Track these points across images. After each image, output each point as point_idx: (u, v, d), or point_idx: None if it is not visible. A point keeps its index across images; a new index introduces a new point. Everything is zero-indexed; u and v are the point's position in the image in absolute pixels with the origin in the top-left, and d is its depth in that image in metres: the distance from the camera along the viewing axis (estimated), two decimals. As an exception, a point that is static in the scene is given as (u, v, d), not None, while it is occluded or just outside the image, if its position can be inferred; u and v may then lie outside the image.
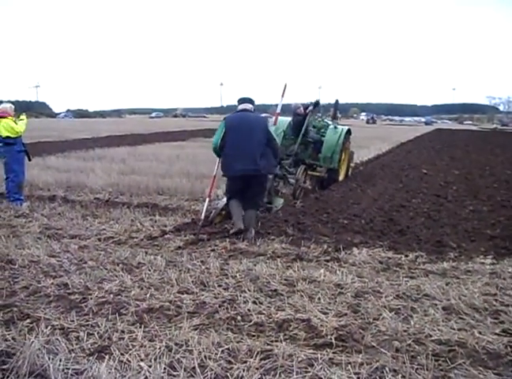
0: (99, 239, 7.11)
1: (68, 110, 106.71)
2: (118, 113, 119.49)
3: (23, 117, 9.79)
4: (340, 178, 13.11)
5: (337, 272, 5.73)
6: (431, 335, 4.14)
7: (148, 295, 4.96)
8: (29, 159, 10.07)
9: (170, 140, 27.84)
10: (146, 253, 6.38)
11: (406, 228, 7.92)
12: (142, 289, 5.14)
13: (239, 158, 7.21)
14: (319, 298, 4.93)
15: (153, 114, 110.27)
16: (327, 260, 6.20)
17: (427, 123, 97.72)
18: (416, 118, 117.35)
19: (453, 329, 4.26)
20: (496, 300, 4.94)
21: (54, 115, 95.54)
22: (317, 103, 11.99)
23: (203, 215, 7.78)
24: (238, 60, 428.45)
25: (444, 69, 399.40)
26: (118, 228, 7.73)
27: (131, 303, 4.75)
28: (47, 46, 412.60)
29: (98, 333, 4.12)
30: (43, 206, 9.28)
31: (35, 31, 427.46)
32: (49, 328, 4.17)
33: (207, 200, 8.00)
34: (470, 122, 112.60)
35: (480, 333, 4.18)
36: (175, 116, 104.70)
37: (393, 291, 5.14)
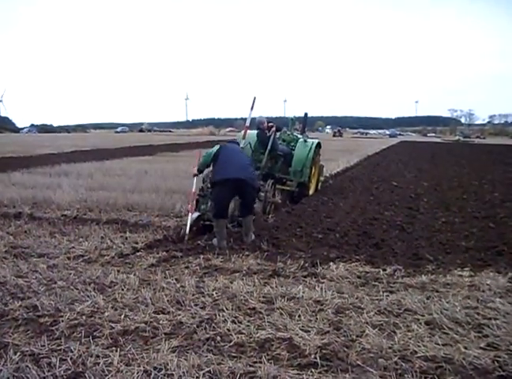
0: (69, 258, 6.87)
1: (32, 125, 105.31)
2: (82, 128, 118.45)
3: None
4: (311, 192, 13.03)
5: (316, 287, 5.62)
6: (416, 352, 4.05)
7: (122, 316, 4.77)
8: (-7, 176, 9.76)
9: (137, 154, 27.47)
10: (118, 271, 6.18)
11: (381, 241, 7.87)
12: (116, 310, 4.95)
13: (233, 166, 7.73)
14: (299, 316, 4.81)
15: (119, 129, 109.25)
16: (305, 276, 6.08)
17: (391, 136, 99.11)
18: (381, 131, 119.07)
19: (438, 345, 4.19)
20: (478, 313, 4.89)
21: (17, 130, 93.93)
22: (278, 129, 11.86)
23: (188, 229, 7.83)
24: (203, 74, 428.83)
25: (406, 82, 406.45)
26: (87, 246, 7.50)
27: (105, 325, 4.55)
28: (8, 60, 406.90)
29: (71, 358, 3.92)
30: (8, 224, 8.98)
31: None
32: (18, 354, 3.96)
33: (189, 215, 8.04)
34: (433, 134, 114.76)
35: (465, 348, 4.11)
36: (141, 130, 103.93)
37: (374, 307, 5.04)
